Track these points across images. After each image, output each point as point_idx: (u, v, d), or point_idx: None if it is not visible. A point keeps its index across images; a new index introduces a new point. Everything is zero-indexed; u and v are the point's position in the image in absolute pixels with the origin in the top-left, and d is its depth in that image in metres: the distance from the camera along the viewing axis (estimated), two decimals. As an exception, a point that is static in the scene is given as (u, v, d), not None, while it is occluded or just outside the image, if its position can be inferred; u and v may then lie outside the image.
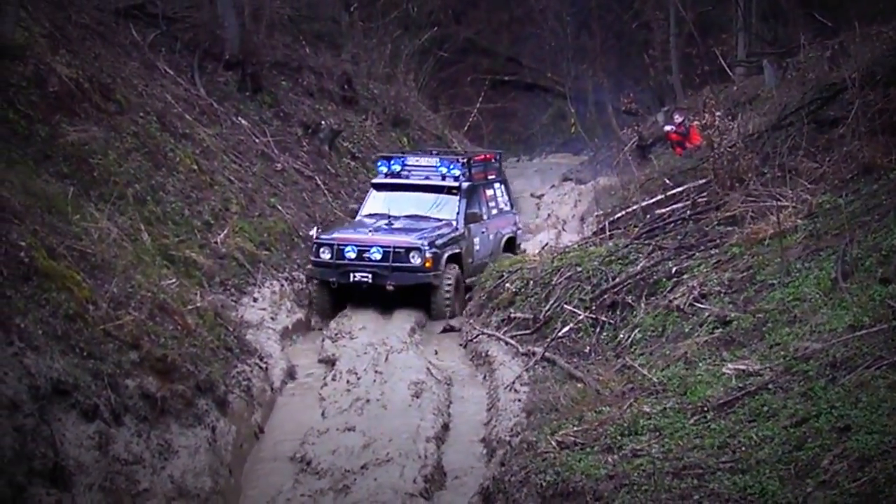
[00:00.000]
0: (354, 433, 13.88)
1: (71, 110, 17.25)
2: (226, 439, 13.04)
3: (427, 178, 22.74)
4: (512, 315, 18.19)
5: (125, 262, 14.17)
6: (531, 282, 18.51)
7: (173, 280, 15.39)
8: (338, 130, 28.83)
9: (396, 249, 20.41)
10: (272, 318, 18.49)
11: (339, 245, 20.50)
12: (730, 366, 11.47)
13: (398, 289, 20.35)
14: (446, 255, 21.06)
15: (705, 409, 10.60)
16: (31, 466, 9.44)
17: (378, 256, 20.33)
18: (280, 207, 22.93)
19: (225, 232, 19.38)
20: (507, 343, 17.29)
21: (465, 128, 42.30)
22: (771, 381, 10.61)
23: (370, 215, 22.26)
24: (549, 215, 32.19)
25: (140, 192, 17.40)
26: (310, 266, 20.93)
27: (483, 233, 22.80)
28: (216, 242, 18.82)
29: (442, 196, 22.35)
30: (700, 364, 12.10)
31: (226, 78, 27.46)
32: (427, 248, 20.51)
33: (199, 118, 23.51)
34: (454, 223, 21.91)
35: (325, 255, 20.43)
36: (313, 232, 21.86)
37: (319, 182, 25.90)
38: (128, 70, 21.87)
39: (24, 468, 9.35)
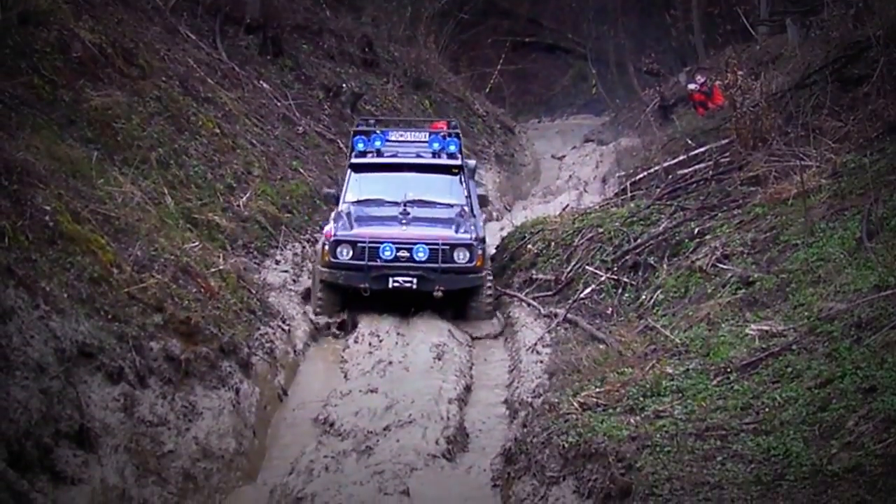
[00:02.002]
0: (377, 395, 13.91)
1: (94, 75, 17.26)
2: (249, 401, 13.09)
3: (417, 155, 19.42)
4: (534, 276, 18.18)
5: (149, 225, 14.21)
6: (553, 243, 18.48)
7: (196, 243, 15.42)
8: (359, 93, 28.80)
9: (443, 246, 17.01)
10: (294, 281, 18.50)
11: (370, 243, 16.94)
12: (753, 327, 11.46)
13: (446, 294, 17.05)
14: (489, 251, 18.43)
15: (728, 370, 10.60)
16: (57, 428, 9.50)
17: (423, 256, 16.89)
18: (302, 170, 22.91)
19: (247, 195, 19.39)
20: (528, 304, 17.29)
21: (487, 90, 42.16)
22: (795, 341, 10.59)
23: (364, 202, 18.46)
24: (570, 177, 32.13)
25: (163, 156, 17.42)
26: (323, 268, 17.17)
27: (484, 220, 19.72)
28: (238, 206, 18.83)
29: (440, 177, 18.98)
30: (723, 325, 12.09)
31: (247, 42, 27.46)
32: (476, 243, 17.28)
33: (221, 82, 23.50)
34: (466, 209, 18.58)
35: (347, 256, 16.92)
36: (328, 226, 17.73)
37: (341, 145, 25.85)
38: (150, 35, 21.85)
39: (51, 430, 9.41)
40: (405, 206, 17.93)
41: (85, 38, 17.44)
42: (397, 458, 11.48)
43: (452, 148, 19.41)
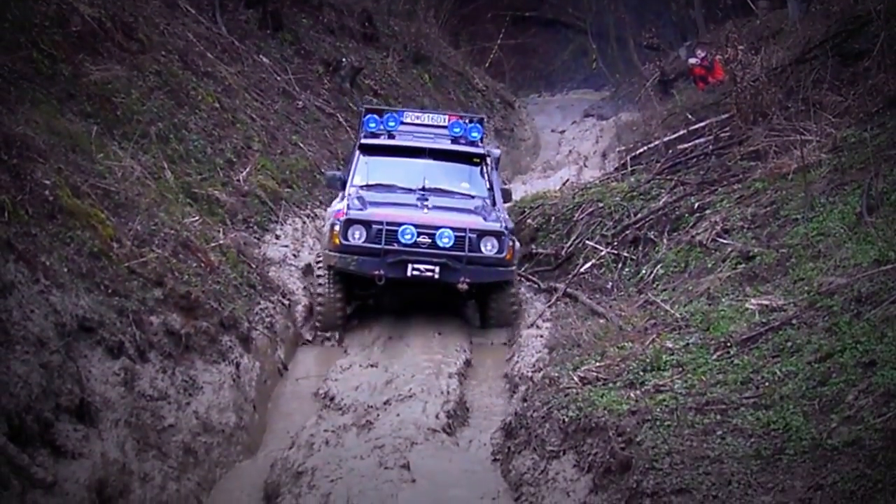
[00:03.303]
0: (377, 369, 13.95)
1: (94, 50, 17.20)
2: (250, 375, 13.12)
3: (434, 140, 17.76)
4: (533, 251, 18.18)
5: (148, 200, 14.20)
6: (553, 218, 18.50)
7: (196, 218, 15.41)
8: (359, 68, 28.73)
9: (471, 233, 15.46)
10: (294, 255, 18.49)
11: (388, 225, 15.38)
12: (753, 301, 11.46)
13: (472, 287, 15.62)
14: (518, 245, 16.50)
15: (728, 344, 10.61)
16: (57, 402, 9.51)
17: (448, 242, 15.30)
18: (302, 145, 22.87)
19: (247, 170, 19.36)
20: (528, 280, 17.29)
21: (487, 64, 42.07)
22: (795, 316, 10.60)
23: (375, 187, 16.78)
24: (570, 151, 32.12)
25: (163, 130, 17.37)
26: (332, 252, 15.64)
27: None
28: (238, 180, 18.80)
29: (460, 166, 17.34)
30: (723, 299, 12.10)
31: (246, 16, 27.37)
32: (507, 233, 15.69)
33: (220, 56, 23.44)
34: (489, 202, 16.84)
35: (360, 239, 15.41)
36: (340, 205, 16.28)
37: (341, 119, 25.81)
38: (149, 9, 21.75)
39: (51, 404, 9.41)
40: (423, 192, 16.41)
41: (84, 13, 17.36)
42: (397, 433, 11.50)
43: (475, 135, 17.86)
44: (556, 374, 11.24)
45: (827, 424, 8.34)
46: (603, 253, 16.35)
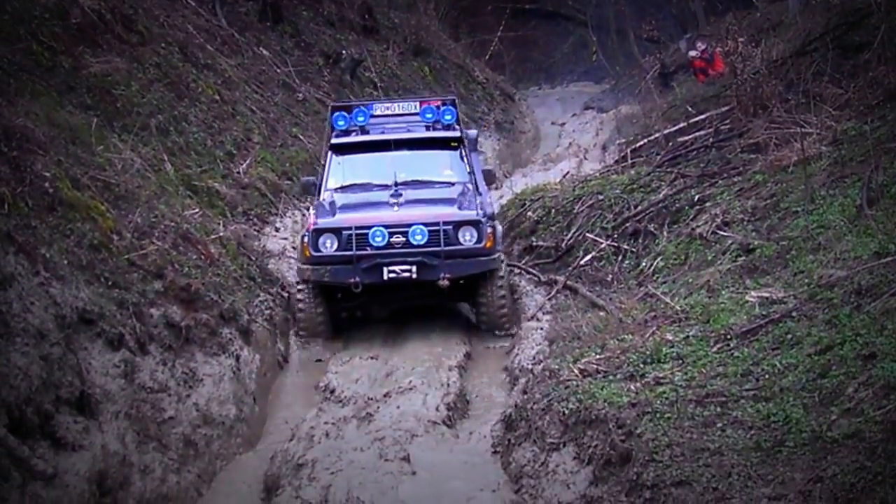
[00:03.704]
0: (377, 361, 13.95)
1: (94, 42, 17.21)
2: (250, 368, 13.12)
3: (408, 129, 17.02)
4: (534, 244, 18.17)
5: (148, 192, 14.21)
6: (553, 210, 18.47)
7: (196, 210, 15.42)
8: (359, 60, 28.72)
9: (445, 226, 14.81)
10: (294, 248, 18.50)
11: (357, 230, 14.72)
12: (753, 293, 11.46)
13: (452, 283, 14.86)
14: (499, 230, 16.05)
15: (728, 336, 10.61)
16: (58, 395, 9.51)
17: (422, 239, 14.63)
18: (302, 137, 22.87)
19: (247, 162, 19.36)
20: (528, 272, 17.29)
21: (487, 57, 42.04)
22: (795, 308, 10.60)
23: (349, 188, 16.20)
24: (570, 144, 32.07)
25: (163, 122, 17.38)
26: (304, 266, 15.04)
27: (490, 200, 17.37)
28: (238, 172, 18.81)
29: (436, 153, 16.68)
30: (723, 292, 12.10)
31: (246, 8, 27.36)
32: (484, 220, 15.07)
33: (220, 49, 23.43)
34: (470, 186, 16.26)
35: (332, 248, 14.75)
36: (314, 217, 15.26)
37: (341, 112, 25.79)
38: (149, 1, 21.73)
39: (52, 396, 9.42)
40: (396, 187, 15.66)
41: (84, 4, 17.36)
42: (397, 425, 11.52)
43: (449, 118, 17.01)
44: (557, 367, 11.25)
45: (827, 417, 8.35)
46: (603, 245, 16.34)
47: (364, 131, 17.05)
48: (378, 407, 12.33)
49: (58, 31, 16.37)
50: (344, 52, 28.43)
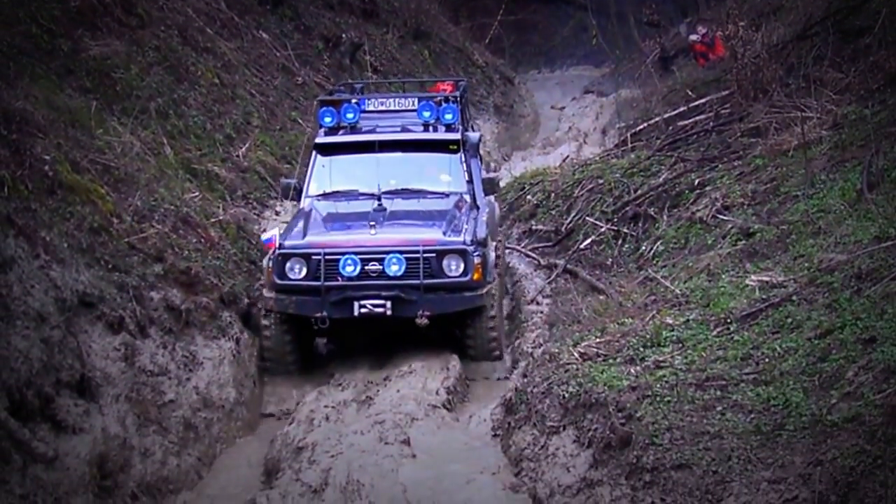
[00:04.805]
0: (377, 346, 13.95)
1: (93, 24, 17.15)
2: (249, 351, 13.15)
3: (403, 128, 15.25)
4: (533, 227, 18.18)
5: (148, 175, 14.20)
6: (552, 194, 18.47)
7: (196, 193, 15.40)
8: (358, 44, 28.64)
9: (426, 254, 12.99)
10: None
11: (327, 256, 12.91)
12: (753, 277, 11.46)
13: (433, 320, 13.04)
14: (491, 257, 13.84)
15: (728, 320, 10.62)
16: (58, 378, 9.53)
17: (399, 269, 12.86)
18: (301, 121, 22.79)
19: (247, 145, 19.32)
20: (528, 256, 17.29)
21: (486, 41, 41.94)
22: (795, 292, 10.60)
23: (334, 196, 14.63)
24: (570, 128, 32.03)
25: (162, 105, 17.34)
26: (268, 293, 13.22)
27: (492, 201, 15.77)
28: (238, 156, 18.76)
29: (433, 156, 14.96)
30: (723, 276, 12.09)
31: (246, -9, 27.29)
32: (472, 248, 13.13)
33: (220, 32, 23.35)
34: (467, 197, 14.59)
35: (299, 274, 13.00)
36: (271, 233, 13.39)
37: (340, 96, 25.75)
38: (148, -17, 21.73)
39: (52, 379, 9.44)
40: (380, 199, 13.88)
41: (83, -13, 17.34)
42: (397, 409, 11.52)
43: (449, 116, 15.01)
44: (557, 350, 11.25)
45: (827, 400, 8.36)
46: (603, 229, 16.33)
47: (354, 129, 15.23)
48: (378, 390, 12.35)
49: (57, 14, 16.32)
50: (344, 35, 28.35)
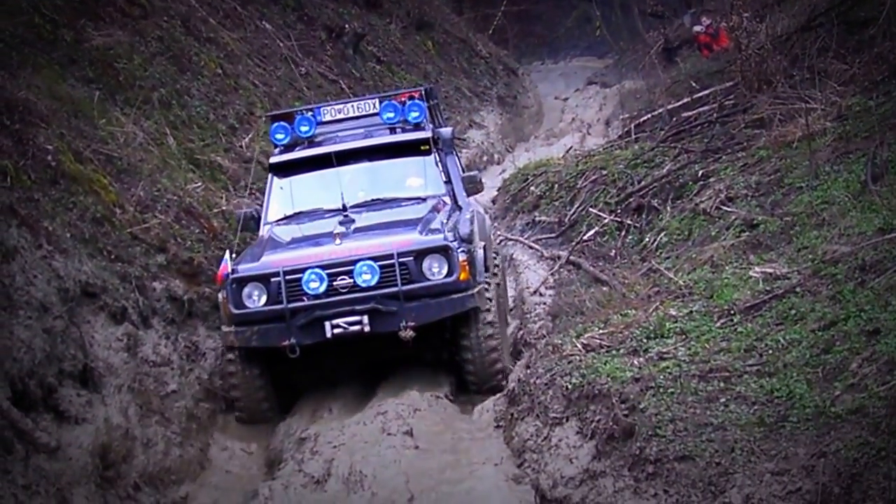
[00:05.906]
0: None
1: (96, 14, 17.15)
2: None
3: (367, 135, 13.74)
4: (536, 219, 18.17)
5: (151, 165, 14.19)
6: (556, 185, 18.46)
7: (199, 184, 15.39)
8: (361, 34, 28.63)
9: (402, 258, 11.52)
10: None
11: (287, 275, 11.44)
12: (757, 269, 11.43)
13: (420, 332, 11.58)
14: (479, 255, 12.34)
15: (732, 312, 10.59)
16: (61, 368, 9.54)
17: (372, 278, 11.41)
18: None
19: (250, 136, 19.30)
20: (531, 247, 17.28)
21: (490, 31, 41.94)
22: (799, 284, 10.57)
23: (293, 217, 13.17)
24: (573, 119, 32.04)
25: (165, 96, 17.32)
26: (226, 327, 11.71)
27: (479, 212, 14.25)
28: (241, 146, 18.75)
29: (403, 160, 13.46)
30: (727, 267, 12.06)
31: (249, -20, 27.27)
32: (455, 244, 11.76)
33: (223, 22, 23.34)
34: (447, 199, 13.28)
35: (259, 301, 11.52)
36: (229, 262, 11.78)
37: (343, 86, 25.72)
38: (151, -27, 21.71)
39: (55, 369, 9.45)
40: (346, 213, 12.60)
41: (86, -23, 17.33)
42: (400, 399, 11.50)
43: (415, 114, 13.63)
44: (560, 341, 11.21)
45: (830, 392, 8.34)
46: (606, 220, 16.31)
47: (312, 143, 13.80)
48: (380, 381, 12.33)
49: (59, 4, 16.31)
50: (347, 26, 28.34)
